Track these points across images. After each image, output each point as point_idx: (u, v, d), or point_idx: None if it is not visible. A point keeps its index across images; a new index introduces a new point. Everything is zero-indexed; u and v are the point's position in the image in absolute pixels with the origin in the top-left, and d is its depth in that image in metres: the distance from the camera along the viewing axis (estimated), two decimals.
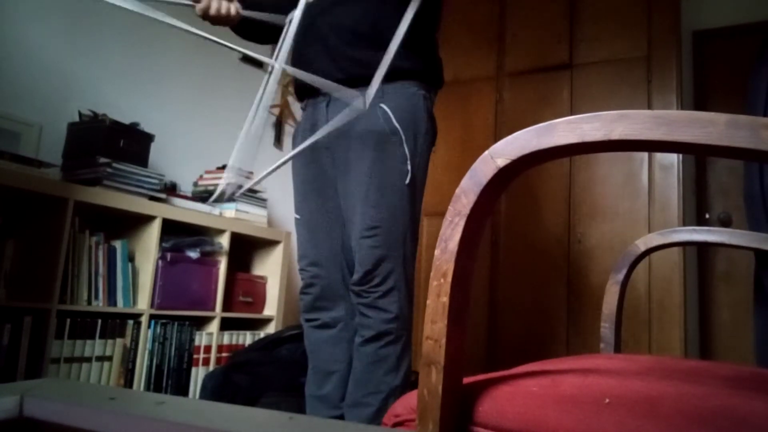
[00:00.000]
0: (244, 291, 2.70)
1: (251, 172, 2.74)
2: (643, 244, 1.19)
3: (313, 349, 1.65)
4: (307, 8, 1.47)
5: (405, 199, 1.52)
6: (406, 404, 0.65)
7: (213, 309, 2.50)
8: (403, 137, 1.51)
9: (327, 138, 1.54)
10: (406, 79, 1.55)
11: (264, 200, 2.85)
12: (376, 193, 1.50)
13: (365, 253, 1.50)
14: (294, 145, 1.72)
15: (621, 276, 1.19)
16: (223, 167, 2.71)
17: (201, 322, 2.50)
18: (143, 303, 2.22)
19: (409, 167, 1.52)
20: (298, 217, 1.69)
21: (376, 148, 1.51)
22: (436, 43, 1.67)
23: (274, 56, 1.42)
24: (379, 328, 1.48)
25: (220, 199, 1.46)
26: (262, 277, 2.83)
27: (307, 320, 1.66)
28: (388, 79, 1.42)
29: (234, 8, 1.53)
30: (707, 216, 3.11)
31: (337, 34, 1.55)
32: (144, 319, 2.21)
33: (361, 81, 1.44)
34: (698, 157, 3.17)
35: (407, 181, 1.51)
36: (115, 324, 2.13)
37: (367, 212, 1.50)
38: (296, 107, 3.34)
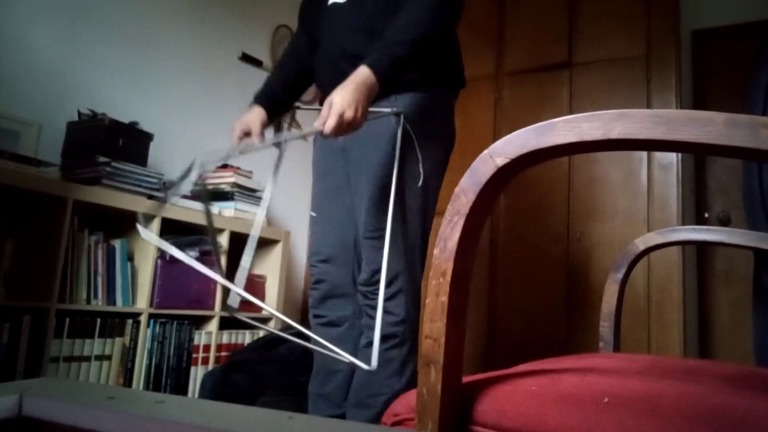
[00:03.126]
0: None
1: (251, 171, 2.75)
2: (642, 243, 1.19)
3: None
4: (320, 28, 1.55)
5: (416, 201, 1.51)
6: (406, 403, 0.65)
7: (212, 308, 2.50)
8: (416, 140, 1.50)
9: (344, 140, 1.55)
10: (420, 85, 1.53)
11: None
12: (384, 195, 1.49)
13: (370, 253, 1.50)
14: (314, 150, 1.73)
15: (620, 275, 1.19)
16: (224, 167, 2.71)
17: (200, 321, 2.50)
18: (142, 302, 2.22)
19: (421, 170, 1.50)
20: (313, 215, 1.70)
21: (388, 151, 1.49)
22: (454, 44, 1.62)
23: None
24: (384, 331, 1.46)
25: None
26: (261, 277, 2.83)
27: (315, 316, 1.66)
28: (401, 89, 1.47)
29: (257, 140, 1.53)
30: (706, 215, 3.11)
31: (343, 59, 1.53)
32: (143, 319, 2.21)
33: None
34: (697, 157, 3.17)
35: (419, 183, 1.50)
36: (114, 323, 2.13)
37: (374, 213, 1.50)
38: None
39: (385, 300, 1.45)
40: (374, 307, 1.46)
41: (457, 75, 1.63)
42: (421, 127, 1.51)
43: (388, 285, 1.46)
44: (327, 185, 1.66)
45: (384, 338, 1.46)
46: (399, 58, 1.37)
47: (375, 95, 1.35)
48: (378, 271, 1.46)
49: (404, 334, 1.48)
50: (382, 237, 1.45)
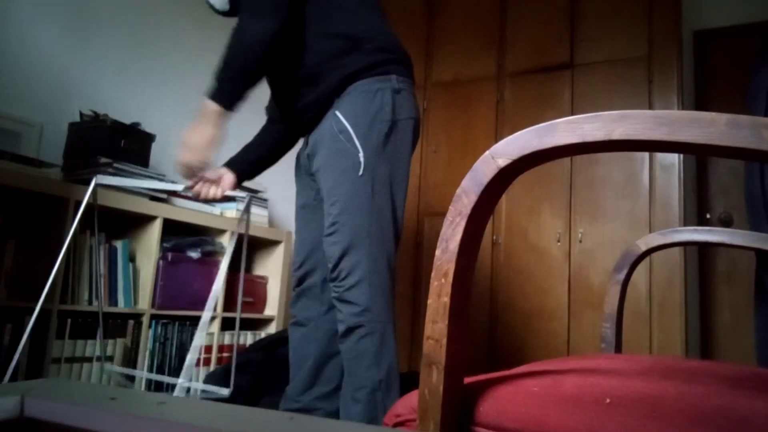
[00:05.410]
0: (245, 291, 2.70)
1: None
2: (644, 243, 1.19)
3: (291, 345, 1.75)
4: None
5: (361, 190, 1.53)
6: (407, 404, 0.65)
7: (214, 309, 2.50)
8: (352, 132, 1.53)
9: (312, 148, 1.65)
10: (353, 80, 1.57)
11: (265, 200, 2.85)
12: (332, 191, 1.55)
13: (328, 249, 1.54)
14: (296, 166, 1.81)
15: (622, 276, 1.19)
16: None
17: None
18: (144, 303, 2.22)
19: (361, 159, 1.52)
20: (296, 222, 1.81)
21: (328, 150, 1.57)
22: (360, 36, 1.59)
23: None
24: (349, 322, 1.49)
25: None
26: (263, 277, 2.83)
27: (291, 316, 1.77)
28: (340, 89, 1.56)
29: (220, 191, 1.69)
30: (708, 216, 3.11)
31: (289, 97, 1.68)
32: (145, 319, 2.21)
33: (312, 122, 1.64)
34: (699, 157, 3.16)
35: (360, 172, 1.52)
36: (116, 324, 2.13)
37: (328, 210, 1.55)
38: None
39: (346, 290, 1.49)
40: (339, 300, 1.53)
41: (378, 63, 1.60)
42: (360, 116, 1.55)
43: (347, 276, 1.50)
44: (301, 192, 1.77)
45: (350, 330, 1.50)
46: (222, 78, 1.51)
47: (210, 113, 1.50)
48: (337, 264, 1.52)
49: (371, 324, 1.48)
50: (337, 231, 1.52)
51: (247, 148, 1.84)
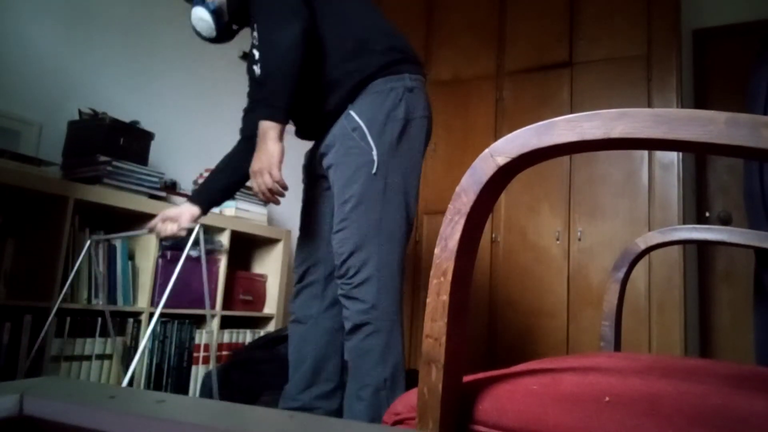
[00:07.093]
0: (244, 289, 2.70)
1: None
2: (643, 242, 1.19)
3: (290, 343, 1.76)
4: None
5: (374, 188, 1.53)
6: (407, 402, 0.65)
7: (213, 307, 2.50)
8: (366, 130, 1.53)
9: (325, 146, 1.64)
10: (368, 83, 1.57)
11: None
12: (344, 189, 1.55)
13: (337, 246, 1.54)
14: (305, 164, 1.81)
15: (621, 274, 1.19)
16: None
17: (201, 321, 2.50)
18: (143, 301, 2.22)
19: (374, 157, 1.53)
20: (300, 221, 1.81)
21: (341, 147, 1.57)
22: (372, 38, 1.61)
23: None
24: (355, 320, 1.49)
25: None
26: (262, 276, 2.83)
27: (291, 313, 1.77)
28: (356, 93, 1.56)
29: (177, 227, 1.71)
30: (707, 214, 3.11)
31: (307, 105, 1.66)
32: (144, 318, 2.21)
33: (321, 126, 1.65)
34: (698, 156, 3.16)
35: (374, 171, 1.52)
36: (115, 322, 2.13)
37: (339, 207, 1.55)
38: None
39: (354, 287, 1.49)
40: (346, 297, 1.52)
41: (400, 59, 1.61)
42: (374, 114, 1.55)
43: (356, 273, 1.50)
44: (309, 192, 1.77)
45: (356, 327, 1.50)
46: (267, 96, 1.52)
47: (268, 133, 1.50)
48: (345, 260, 1.52)
49: (377, 322, 1.48)
50: (347, 228, 1.52)
51: (216, 175, 1.82)
